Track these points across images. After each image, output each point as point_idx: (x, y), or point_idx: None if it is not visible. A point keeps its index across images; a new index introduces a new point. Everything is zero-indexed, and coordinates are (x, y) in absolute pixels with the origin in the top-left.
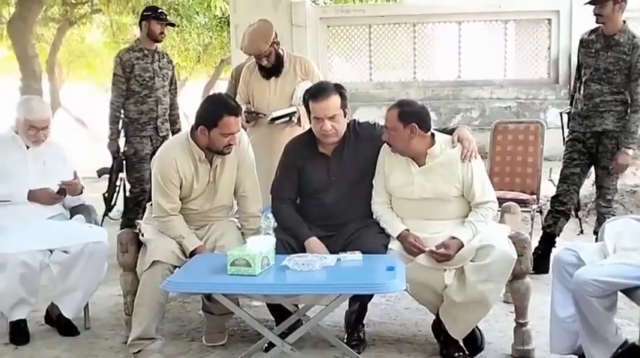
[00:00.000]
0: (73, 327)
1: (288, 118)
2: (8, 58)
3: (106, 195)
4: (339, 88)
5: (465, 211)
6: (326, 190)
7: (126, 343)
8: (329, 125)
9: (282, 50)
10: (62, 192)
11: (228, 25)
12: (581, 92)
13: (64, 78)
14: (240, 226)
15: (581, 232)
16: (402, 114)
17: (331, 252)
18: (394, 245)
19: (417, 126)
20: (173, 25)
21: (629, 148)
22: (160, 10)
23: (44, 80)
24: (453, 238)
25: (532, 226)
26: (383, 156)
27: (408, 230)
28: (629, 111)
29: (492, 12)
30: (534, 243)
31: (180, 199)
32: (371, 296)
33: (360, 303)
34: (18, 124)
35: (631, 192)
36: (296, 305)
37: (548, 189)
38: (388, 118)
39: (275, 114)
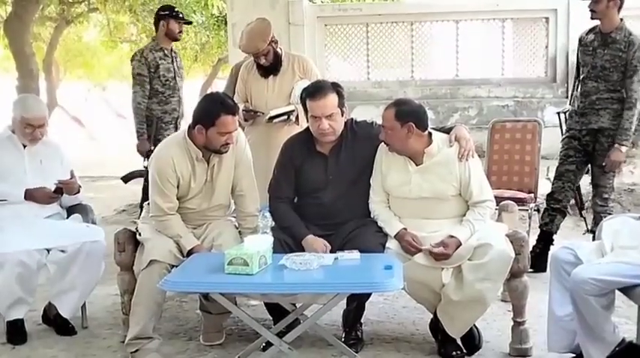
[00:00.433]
0: (71, 327)
1: (286, 117)
2: (5, 57)
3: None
4: (336, 87)
5: (463, 210)
6: (323, 189)
7: (123, 342)
8: (326, 124)
9: (281, 49)
10: (59, 191)
11: (226, 23)
12: (579, 90)
13: (60, 77)
14: (237, 225)
15: (587, 231)
16: (399, 114)
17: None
18: (392, 244)
19: (414, 126)
20: (190, 23)
21: (623, 145)
22: (176, 9)
23: (41, 79)
24: (451, 237)
25: (530, 225)
26: (380, 155)
27: (405, 229)
28: (623, 109)
29: (490, 11)
30: (532, 241)
31: (178, 198)
32: (369, 295)
33: (357, 302)
34: (14, 123)
35: (629, 191)
36: (294, 304)
37: (545, 187)
38: (385, 117)
39: (273, 113)
